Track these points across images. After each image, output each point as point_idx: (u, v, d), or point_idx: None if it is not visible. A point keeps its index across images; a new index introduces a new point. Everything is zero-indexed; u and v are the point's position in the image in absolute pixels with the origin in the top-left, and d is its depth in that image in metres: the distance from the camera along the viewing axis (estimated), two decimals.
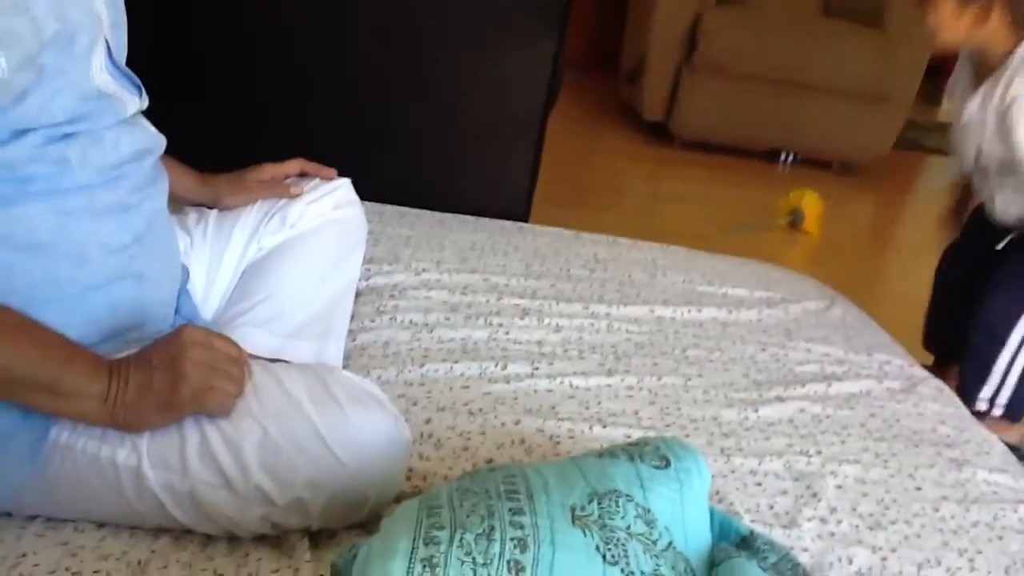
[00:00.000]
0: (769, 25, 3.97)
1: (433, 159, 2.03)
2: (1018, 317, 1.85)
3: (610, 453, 0.87)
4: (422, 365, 1.29)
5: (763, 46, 3.86)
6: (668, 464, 0.85)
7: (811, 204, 3.12)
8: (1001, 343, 1.86)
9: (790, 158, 4.09)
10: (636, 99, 4.20)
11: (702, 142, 4.02)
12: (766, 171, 3.99)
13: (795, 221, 3.17)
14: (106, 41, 0.96)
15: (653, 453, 0.86)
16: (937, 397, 1.48)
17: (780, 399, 1.37)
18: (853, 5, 4.15)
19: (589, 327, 1.50)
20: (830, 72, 3.88)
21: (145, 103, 1.06)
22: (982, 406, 1.91)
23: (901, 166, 4.31)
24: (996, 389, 1.90)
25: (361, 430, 0.89)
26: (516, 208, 2.03)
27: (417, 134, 2.00)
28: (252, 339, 1.13)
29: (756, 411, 1.32)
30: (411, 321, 1.41)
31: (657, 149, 4.05)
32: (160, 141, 1.09)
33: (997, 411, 1.91)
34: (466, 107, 1.99)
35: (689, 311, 1.62)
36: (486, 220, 1.90)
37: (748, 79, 3.90)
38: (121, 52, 1.02)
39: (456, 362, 1.31)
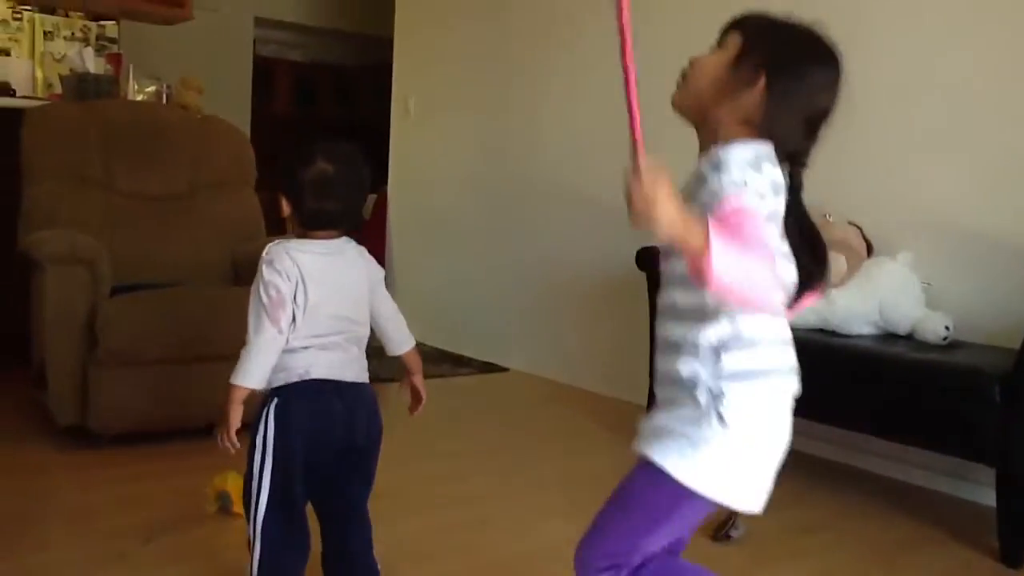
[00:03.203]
0: (173, 305, 3.93)
1: None
2: None
3: None
4: None
5: (169, 326, 3.80)
6: None
7: (234, 485, 3.02)
8: None
9: None
10: (47, 403, 3.85)
11: (130, 434, 3.78)
12: (207, 449, 3.84)
13: (224, 506, 3.05)
14: None
15: None
16: None
17: None
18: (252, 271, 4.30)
19: None
20: (234, 338, 3.91)
21: None
22: None
23: None
24: None
25: None
26: None
27: None
28: None
29: None
30: None
31: (81, 454, 3.70)
32: None
33: None
34: None
35: None
36: None
37: (162, 362, 3.80)
38: None
39: None
